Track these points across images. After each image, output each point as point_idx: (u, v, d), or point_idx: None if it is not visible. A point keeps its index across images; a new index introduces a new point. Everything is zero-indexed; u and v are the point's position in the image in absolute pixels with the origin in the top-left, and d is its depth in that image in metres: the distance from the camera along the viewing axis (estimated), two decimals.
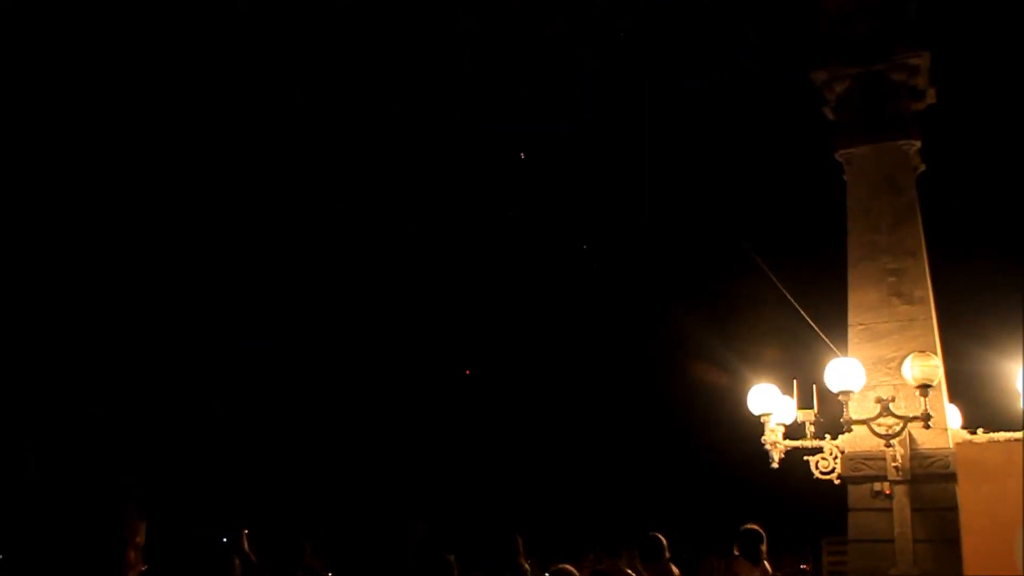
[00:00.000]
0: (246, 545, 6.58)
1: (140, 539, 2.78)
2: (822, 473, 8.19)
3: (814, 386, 8.26)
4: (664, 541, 7.64)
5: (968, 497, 7.66)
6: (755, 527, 7.82)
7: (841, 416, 7.89)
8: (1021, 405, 7.70)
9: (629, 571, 6.12)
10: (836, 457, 8.18)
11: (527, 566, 7.93)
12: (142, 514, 2.80)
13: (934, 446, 7.93)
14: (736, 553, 7.96)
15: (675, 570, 7.62)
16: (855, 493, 8.11)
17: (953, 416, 8.49)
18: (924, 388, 7.68)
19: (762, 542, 7.81)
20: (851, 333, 8.61)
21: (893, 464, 7.84)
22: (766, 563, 7.91)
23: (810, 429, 8.30)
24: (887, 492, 7.91)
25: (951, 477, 7.76)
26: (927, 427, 7.72)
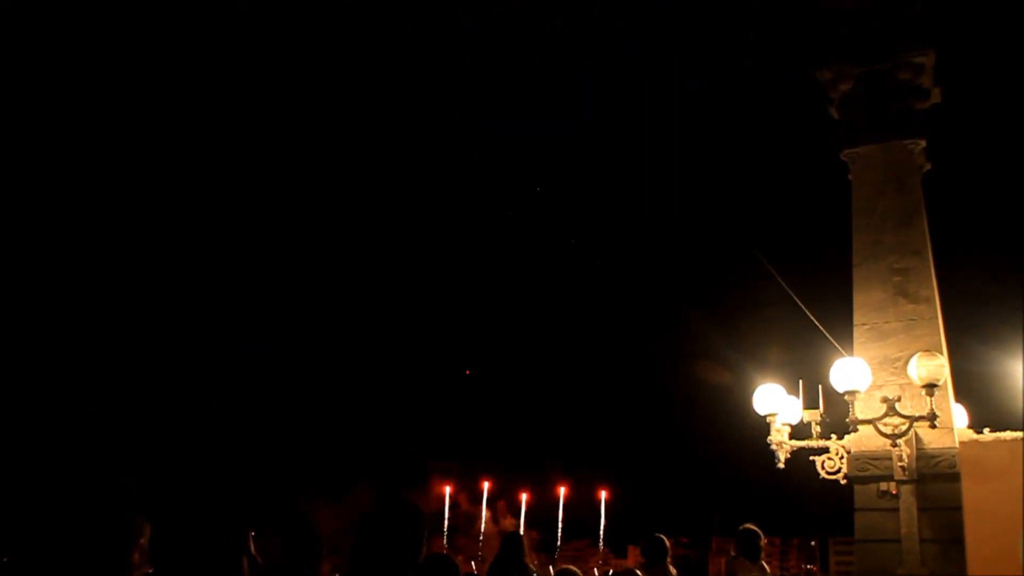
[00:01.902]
0: (252, 547, 6.56)
1: (144, 540, 2.77)
2: (828, 473, 8.18)
3: (820, 386, 8.25)
4: (667, 542, 7.68)
5: (971, 496, 7.65)
6: (753, 527, 7.86)
7: (847, 416, 7.89)
8: (1022, 404, 7.68)
9: (638, 571, 6.16)
10: (842, 457, 8.16)
11: (532, 566, 7.94)
12: (145, 516, 2.79)
13: (940, 446, 7.91)
14: (734, 553, 8.01)
15: (673, 571, 7.68)
16: (861, 493, 8.09)
17: (959, 416, 8.47)
18: (930, 388, 7.67)
19: (760, 540, 7.85)
20: (856, 333, 8.59)
21: (899, 464, 7.83)
22: (764, 562, 7.95)
23: (816, 429, 8.29)
24: (893, 492, 7.89)
25: (957, 477, 7.73)
26: (933, 427, 7.71)
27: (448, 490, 29.87)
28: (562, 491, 31.17)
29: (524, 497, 30.52)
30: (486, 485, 30.51)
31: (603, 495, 30.85)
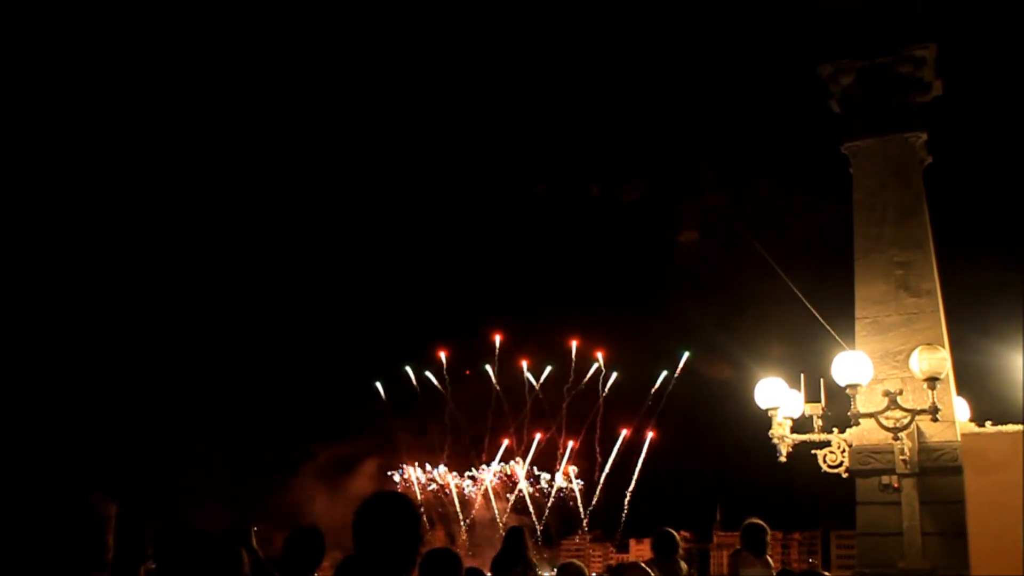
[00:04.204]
0: (254, 542, 6.56)
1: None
2: (830, 467, 8.18)
3: (821, 380, 8.23)
4: (677, 537, 7.67)
5: (973, 488, 7.65)
6: (758, 521, 7.85)
7: (849, 410, 7.87)
8: (1022, 397, 7.68)
9: (644, 565, 6.16)
10: (844, 451, 8.17)
11: (535, 560, 7.97)
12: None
13: (942, 439, 7.91)
14: (739, 546, 8.01)
15: (684, 566, 7.65)
16: (863, 486, 8.09)
17: (961, 409, 8.47)
18: (932, 381, 7.66)
19: (765, 535, 7.86)
20: (858, 326, 8.58)
21: (901, 457, 7.83)
22: (768, 556, 7.95)
23: (818, 423, 8.28)
24: (895, 485, 7.90)
25: (959, 470, 7.74)
26: (935, 420, 7.71)
27: None
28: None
29: None
30: None
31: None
